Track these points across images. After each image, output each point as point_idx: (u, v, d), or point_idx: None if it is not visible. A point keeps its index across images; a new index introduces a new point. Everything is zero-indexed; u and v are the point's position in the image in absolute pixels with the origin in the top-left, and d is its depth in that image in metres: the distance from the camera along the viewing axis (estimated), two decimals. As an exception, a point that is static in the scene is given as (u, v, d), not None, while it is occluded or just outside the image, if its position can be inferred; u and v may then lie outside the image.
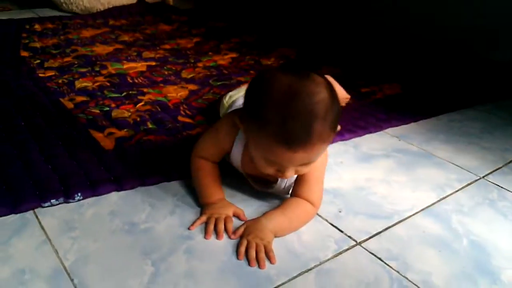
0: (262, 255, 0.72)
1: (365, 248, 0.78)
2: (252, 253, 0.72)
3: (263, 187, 0.87)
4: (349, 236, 0.80)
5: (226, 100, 1.09)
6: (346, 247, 0.78)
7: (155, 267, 0.70)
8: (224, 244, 0.76)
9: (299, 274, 0.71)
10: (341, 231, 0.82)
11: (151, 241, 0.75)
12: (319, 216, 0.85)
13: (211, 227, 0.78)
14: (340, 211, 0.87)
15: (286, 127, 0.65)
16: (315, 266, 0.73)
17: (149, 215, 0.82)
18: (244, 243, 0.74)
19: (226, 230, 0.78)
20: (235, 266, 0.72)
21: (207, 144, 0.86)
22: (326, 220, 0.84)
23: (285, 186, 0.84)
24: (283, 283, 0.69)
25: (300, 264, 0.73)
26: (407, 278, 0.72)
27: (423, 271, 0.74)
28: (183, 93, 1.36)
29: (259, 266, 0.71)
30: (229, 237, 0.77)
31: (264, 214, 0.81)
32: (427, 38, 2.09)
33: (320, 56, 1.83)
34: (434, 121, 1.33)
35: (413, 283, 0.71)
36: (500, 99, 1.55)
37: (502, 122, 1.37)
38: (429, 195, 0.95)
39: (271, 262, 0.72)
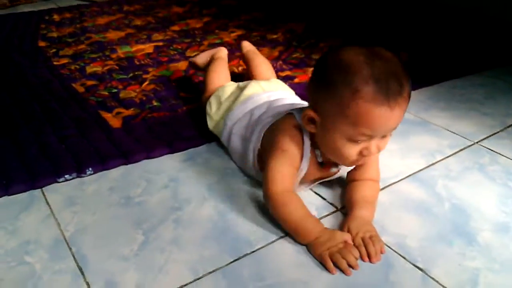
0: (377, 247, 0.72)
1: (344, 214, 0.81)
2: (371, 249, 0.71)
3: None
4: (330, 203, 0.84)
5: (213, 111, 1.03)
6: (326, 213, 0.81)
7: (145, 236, 0.76)
8: (210, 214, 0.82)
9: (278, 239, 0.75)
10: (324, 198, 0.85)
11: (144, 213, 0.82)
12: (304, 185, 0.89)
13: (344, 264, 0.69)
14: (325, 180, 0.90)
15: (381, 83, 0.66)
16: (294, 231, 0.77)
17: (145, 189, 0.88)
18: (360, 242, 0.72)
19: (361, 257, 0.71)
20: (218, 233, 0.77)
21: (284, 171, 0.77)
22: (310, 189, 0.88)
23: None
24: (261, 247, 0.74)
25: (280, 229, 0.77)
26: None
27: (398, 234, 0.76)
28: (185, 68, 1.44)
29: (373, 260, 0.70)
30: (371, 261, 0.71)
31: (355, 207, 0.78)
32: (443, 4, 2.04)
33: (328, 28, 1.83)
34: (436, 88, 1.33)
35: (387, 245, 0.74)
36: (510, 63, 1.51)
37: (508, 87, 1.34)
38: (418, 162, 0.97)
39: (382, 253, 0.72)
